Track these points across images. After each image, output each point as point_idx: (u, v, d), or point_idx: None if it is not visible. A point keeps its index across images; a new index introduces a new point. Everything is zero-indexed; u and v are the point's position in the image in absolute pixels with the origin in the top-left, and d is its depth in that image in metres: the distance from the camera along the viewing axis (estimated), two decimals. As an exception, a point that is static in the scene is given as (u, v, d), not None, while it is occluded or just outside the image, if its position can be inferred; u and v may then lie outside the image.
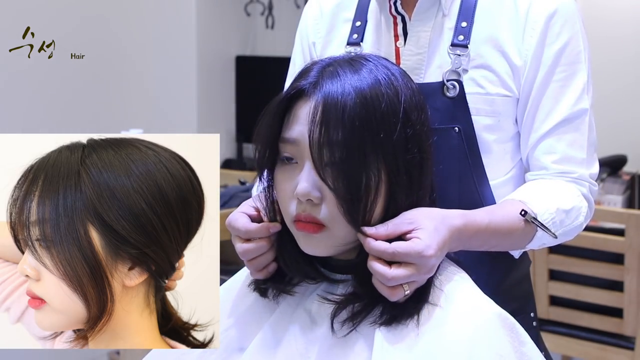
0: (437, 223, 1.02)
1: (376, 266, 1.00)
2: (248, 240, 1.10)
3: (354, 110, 0.99)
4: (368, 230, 1.01)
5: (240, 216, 1.11)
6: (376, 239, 1.01)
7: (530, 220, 1.16)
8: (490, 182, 1.25)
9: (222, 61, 3.98)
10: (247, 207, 1.13)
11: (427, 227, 1.01)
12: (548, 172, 1.25)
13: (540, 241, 1.20)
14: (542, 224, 1.17)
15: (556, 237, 1.19)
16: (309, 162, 1.01)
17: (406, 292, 1.00)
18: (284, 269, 1.11)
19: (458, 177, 1.12)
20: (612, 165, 3.25)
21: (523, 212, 1.15)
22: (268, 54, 4.07)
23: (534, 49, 1.24)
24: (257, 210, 1.12)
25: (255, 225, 1.10)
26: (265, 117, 1.05)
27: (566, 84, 1.24)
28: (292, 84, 1.05)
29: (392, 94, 1.02)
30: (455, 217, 1.06)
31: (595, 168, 1.28)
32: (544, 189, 1.22)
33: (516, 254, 1.30)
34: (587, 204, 1.25)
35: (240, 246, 1.10)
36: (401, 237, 1.01)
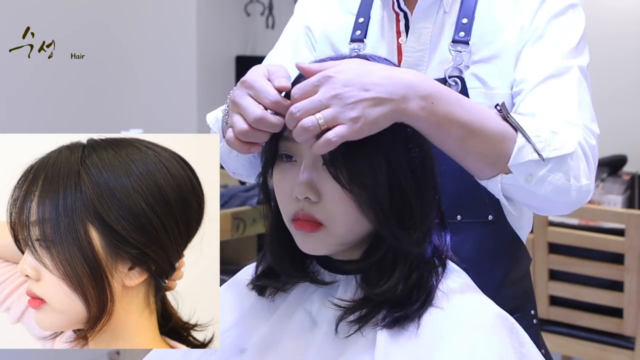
0: (362, 63, 0.99)
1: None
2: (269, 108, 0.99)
3: None
4: (300, 63, 0.98)
5: (263, 79, 1.00)
6: (307, 72, 0.97)
7: (506, 117, 1.05)
8: None
9: (222, 61, 3.98)
10: (264, 69, 1.02)
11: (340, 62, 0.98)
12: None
13: (523, 158, 1.06)
14: (521, 128, 1.05)
15: (543, 159, 1.06)
16: (308, 161, 1.01)
17: (319, 121, 0.93)
18: (273, 266, 1.11)
19: (458, 173, 1.12)
20: (612, 165, 3.25)
21: (498, 107, 1.07)
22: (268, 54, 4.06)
23: (528, 22, 1.24)
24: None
25: (283, 98, 0.99)
26: None
27: (555, 45, 1.22)
28: (294, 82, 1.05)
29: None
30: (411, 72, 1.02)
31: (594, 127, 1.16)
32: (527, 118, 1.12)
33: (497, 188, 1.09)
34: (582, 148, 1.11)
35: (256, 108, 0.98)
36: None
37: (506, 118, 1.06)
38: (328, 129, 0.94)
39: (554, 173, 1.07)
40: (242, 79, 1.03)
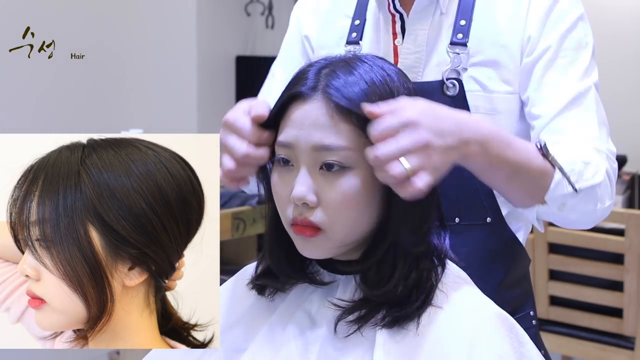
0: (433, 106, 0.99)
1: (367, 151, 0.96)
2: (249, 143, 1.03)
3: (350, 113, 0.99)
4: (368, 106, 0.97)
5: (243, 115, 1.04)
6: (378, 114, 0.96)
7: (546, 155, 1.11)
8: None
9: (222, 61, 3.98)
10: (247, 105, 1.06)
11: (413, 103, 0.98)
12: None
13: (559, 192, 1.12)
14: (559, 165, 1.11)
15: (576, 191, 1.12)
16: (305, 165, 1.01)
17: (407, 167, 0.94)
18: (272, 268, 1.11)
19: (457, 176, 1.12)
20: (612, 165, 3.25)
21: (539, 144, 1.11)
22: (268, 54, 4.07)
23: (535, 36, 1.24)
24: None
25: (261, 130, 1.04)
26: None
27: (568, 68, 1.23)
28: (288, 86, 1.05)
29: (387, 95, 1.02)
30: (465, 114, 1.05)
31: (611, 145, 1.22)
32: (559, 144, 1.18)
33: (533, 217, 1.18)
34: (607, 174, 1.18)
35: (240, 146, 1.02)
36: None
37: (546, 155, 1.12)
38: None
39: (583, 201, 1.15)
40: (224, 118, 1.06)
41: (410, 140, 0.94)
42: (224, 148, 1.05)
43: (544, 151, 1.11)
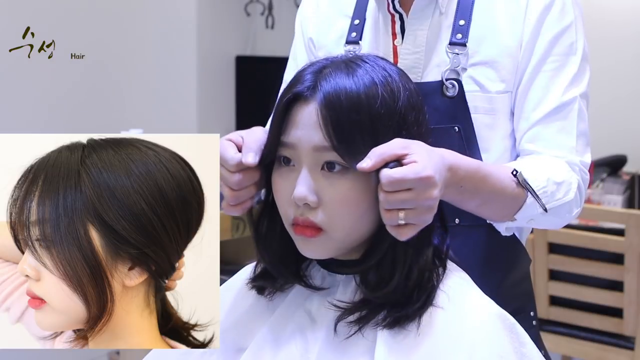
0: (430, 151, 1.00)
1: (379, 191, 0.98)
2: (236, 171, 1.06)
3: (351, 114, 0.99)
4: (361, 164, 0.98)
5: (229, 145, 1.07)
6: (372, 168, 0.97)
7: (520, 182, 1.14)
8: None
9: (222, 61, 3.97)
10: (236, 135, 1.09)
11: (421, 152, 0.98)
12: (538, 156, 1.24)
13: (529, 212, 1.17)
14: (532, 190, 1.15)
15: (546, 211, 1.17)
16: (306, 166, 1.01)
17: (400, 219, 0.97)
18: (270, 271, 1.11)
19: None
20: (612, 165, 3.25)
21: (514, 172, 1.14)
22: (268, 54, 4.07)
23: (528, 38, 1.24)
24: (242, 138, 1.09)
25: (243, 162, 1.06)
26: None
27: (556, 74, 1.25)
28: (288, 87, 1.05)
29: (388, 95, 1.02)
30: (445, 151, 1.05)
31: (587, 158, 1.26)
32: (535, 161, 1.22)
33: (502, 228, 1.25)
34: (578, 188, 1.22)
35: (230, 176, 1.06)
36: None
37: (520, 183, 1.15)
38: None
39: (552, 216, 1.19)
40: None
41: (417, 203, 0.97)
42: (221, 179, 1.09)
43: (519, 179, 1.14)
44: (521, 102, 1.25)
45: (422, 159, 0.97)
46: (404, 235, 0.98)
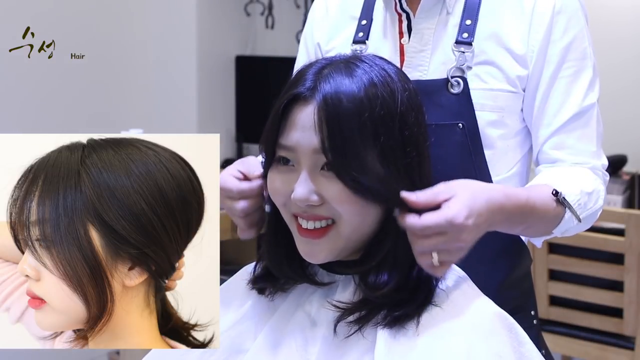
0: (476, 193, 1.02)
1: (409, 234, 1.00)
2: (240, 199, 1.14)
3: (350, 115, 0.99)
4: (408, 195, 1.00)
5: (229, 177, 1.15)
6: (415, 206, 0.99)
7: (561, 200, 1.16)
8: (493, 179, 1.25)
9: (222, 61, 3.97)
10: (233, 169, 1.16)
11: (462, 195, 1.00)
12: (563, 164, 1.27)
13: (566, 225, 1.20)
14: (570, 205, 1.17)
15: (580, 221, 1.20)
16: (306, 168, 1.01)
17: (434, 261, 0.99)
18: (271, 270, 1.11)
19: (461, 173, 1.12)
20: (612, 165, 3.23)
21: (555, 192, 1.16)
22: (268, 54, 4.06)
23: (539, 45, 1.25)
24: (242, 172, 1.15)
25: (247, 183, 1.14)
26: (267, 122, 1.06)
27: (574, 80, 1.27)
28: (287, 88, 1.05)
29: (387, 95, 1.02)
30: (496, 189, 1.07)
31: (604, 160, 1.30)
32: (565, 174, 1.24)
33: (539, 243, 1.30)
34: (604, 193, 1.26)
35: (236, 205, 1.13)
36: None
37: (562, 202, 1.17)
38: None
39: (584, 224, 1.23)
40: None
41: (448, 246, 0.99)
42: (228, 211, 1.16)
43: (560, 200, 1.16)
44: (541, 109, 1.27)
45: (456, 205, 0.98)
46: (439, 274, 1.02)
